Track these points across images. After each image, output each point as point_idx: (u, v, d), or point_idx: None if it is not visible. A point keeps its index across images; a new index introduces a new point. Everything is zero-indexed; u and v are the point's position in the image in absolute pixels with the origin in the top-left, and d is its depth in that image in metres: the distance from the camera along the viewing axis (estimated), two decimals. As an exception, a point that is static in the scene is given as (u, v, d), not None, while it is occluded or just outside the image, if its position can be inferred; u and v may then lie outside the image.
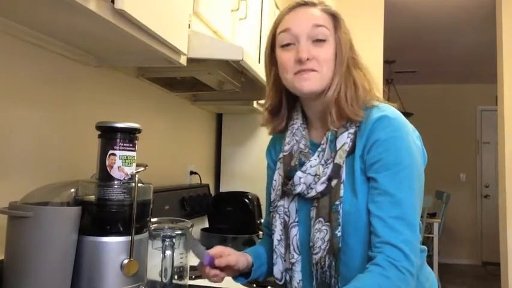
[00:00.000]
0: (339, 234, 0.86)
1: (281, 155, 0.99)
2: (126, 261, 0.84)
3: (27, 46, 1.04)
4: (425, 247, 0.98)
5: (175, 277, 1.04)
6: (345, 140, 0.89)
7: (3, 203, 0.85)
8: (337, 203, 0.87)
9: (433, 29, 4.09)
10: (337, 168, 0.89)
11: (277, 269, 0.98)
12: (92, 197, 0.87)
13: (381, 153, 0.85)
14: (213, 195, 2.18)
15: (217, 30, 1.46)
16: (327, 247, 0.88)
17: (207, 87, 1.68)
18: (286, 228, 0.97)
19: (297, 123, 0.99)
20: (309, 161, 0.92)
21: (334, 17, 0.93)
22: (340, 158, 0.89)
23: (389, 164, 0.85)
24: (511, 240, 2.94)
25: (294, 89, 0.92)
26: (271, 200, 1.01)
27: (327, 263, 0.88)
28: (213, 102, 2.09)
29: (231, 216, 1.95)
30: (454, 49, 4.65)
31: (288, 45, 0.91)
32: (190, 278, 1.26)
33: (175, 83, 1.65)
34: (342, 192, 0.87)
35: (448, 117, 6.13)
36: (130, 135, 0.89)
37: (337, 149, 0.90)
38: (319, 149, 0.93)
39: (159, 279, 1.01)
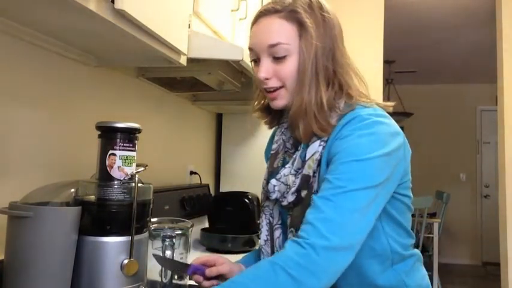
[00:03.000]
0: None
1: (270, 154, 0.99)
2: (126, 261, 0.84)
3: (27, 46, 1.04)
4: (416, 250, 0.94)
5: (175, 277, 1.04)
6: (315, 149, 0.85)
7: (3, 203, 0.85)
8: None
9: (433, 29, 4.09)
10: (306, 179, 0.85)
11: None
12: (92, 197, 0.87)
13: (337, 152, 0.80)
14: (213, 195, 2.17)
15: (217, 30, 1.46)
16: None
17: (207, 87, 1.68)
18: (271, 229, 0.96)
19: (287, 122, 0.96)
20: (284, 168, 0.90)
21: (299, 23, 0.85)
22: (309, 169, 0.84)
23: (342, 157, 0.79)
24: (511, 240, 2.94)
25: (269, 102, 0.92)
26: (261, 199, 1.01)
27: None
28: (213, 102, 2.09)
29: (231, 216, 1.95)
30: (453, 49, 4.64)
31: (255, 61, 0.90)
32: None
33: (175, 83, 1.65)
34: None
35: (448, 117, 6.14)
36: (130, 135, 0.89)
37: (307, 158, 0.85)
38: (294, 157, 0.89)
39: (159, 279, 1.02)
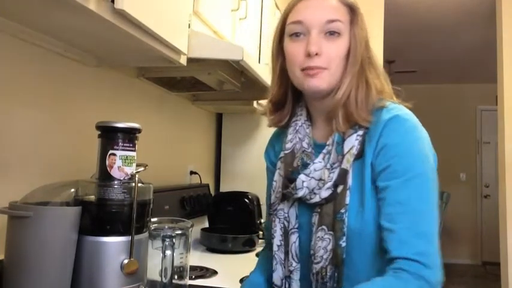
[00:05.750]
0: (344, 244, 0.80)
1: (282, 154, 0.93)
2: (126, 261, 0.84)
3: (27, 46, 1.04)
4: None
5: (175, 277, 1.04)
6: (352, 143, 0.82)
7: (3, 203, 0.85)
8: (342, 211, 0.80)
9: (433, 29, 4.09)
10: (343, 174, 0.82)
11: (277, 276, 0.92)
12: (92, 197, 0.87)
13: (390, 160, 0.79)
14: (213, 195, 2.17)
15: (217, 30, 1.46)
16: (330, 257, 0.81)
17: (207, 87, 1.68)
18: (286, 233, 0.90)
19: (301, 119, 0.92)
20: (313, 163, 0.85)
21: (352, 10, 0.85)
22: (348, 163, 0.82)
23: (399, 171, 0.78)
24: (511, 240, 2.94)
25: (301, 85, 0.86)
26: (271, 203, 0.95)
27: (328, 273, 0.81)
28: (213, 102, 2.09)
29: (231, 216, 1.95)
30: (454, 49, 4.64)
31: (297, 35, 0.84)
32: (190, 278, 1.26)
33: (175, 83, 1.65)
34: (347, 200, 0.81)
35: (448, 117, 6.13)
36: (130, 135, 0.89)
37: (345, 152, 0.82)
38: (325, 151, 0.86)
39: (159, 279, 1.01)
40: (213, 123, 2.40)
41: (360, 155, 0.82)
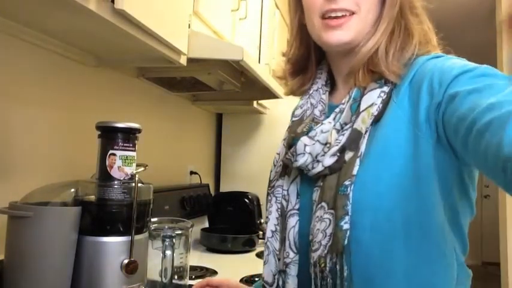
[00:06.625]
0: (346, 226, 0.60)
1: (290, 123, 0.77)
2: (126, 261, 0.84)
3: (27, 46, 1.04)
4: (470, 271, 0.76)
5: (175, 277, 1.04)
6: (374, 99, 0.65)
7: (3, 203, 0.85)
8: (346, 183, 0.62)
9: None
10: (356, 136, 0.64)
11: (268, 270, 0.73)
12: (92, 197, 0.87)
13: (440, 80, 0.59)
14: (213, 195, 2.18)
15: (217, 30, 1.46)
16: (329, 243, 0.61)
17: (207, 87, 1.68)
18: (283, 216, 0.72)
19: (318, 83, 0.76)
20: (322, 124, 0.68)
21: None
22: (363, 123, 0.64)
23: (459, 71, 0.58)
24: (511, 240, 2.94)
25: (319, 38, 0.70)
26: (270, 179, 0.78)
27: (328, 265, 0.61)
28: (213, 102, 2.09)
29: (231, 216, 1.96)
30: (453, 49, 4.63)
31: None
32: (190, 278, 1.26)
33: (175, 83, 1.65)
34: (355, 170, 0.62)
35: (448, 117, 6.13)
36: (130, 135, 0.89)
37: (361, 110, 0.65)
38: (337, 110, 0.68)
39: (159, 279, 1.01)
40: (213, 123, 2.40)
41: (378, 118, 0.65)
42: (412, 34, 0.68)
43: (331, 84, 0.78)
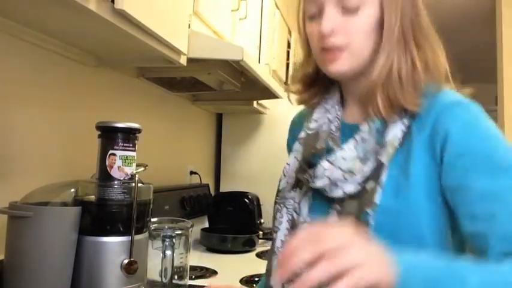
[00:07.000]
0: None
1: (303, 134, 0.79)
2: (126, 261, 0.84)
3: (27, 46, 1.04)
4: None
5: (175, 277, 1.04)
6: (396, 132, 0.68)
7: (3, 203, 0.85)
8: (369, 211, 0.66)
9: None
10: (379, 168, 0.68)
11: (277, 280, 0.75)
12: (92, 197, 0.87)
13: (462, 152, 0.63)
14: (213, 195, 2.18)
15: (217, 30, 1.46)
16: None
17: (207, 87, 1.68)
18: (294, 227, 0.76)
19: (333, 99, 0.79)
20: (341, 149, 0.71)
21: None
22: (388, 156, 0.67)
23: (479, 165, 0.63)
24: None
25: (322, 68, 0.74)
26: (279, 189, 0.81)
27: None
28: (213, 102, 2.09)
29: (231, 216, 1.96)
30: (453, 49, 4.62)
31: (314, 15, 0.72)
32: (190, 278, 1.26)
33: (175, 83, 1.65)
34: (377, 198, 0.66)
35: (448, 117, 6.12)
36: (130, 135, 0.89)
37: (386, 142, 0.68)
38: (358, 138, 0.71)
39: (159, 279, 1.01)
40: (213, 123, 2.40)
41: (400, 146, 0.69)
42: (415, 63, 0.70)
43: (342, 99, 0.81)
